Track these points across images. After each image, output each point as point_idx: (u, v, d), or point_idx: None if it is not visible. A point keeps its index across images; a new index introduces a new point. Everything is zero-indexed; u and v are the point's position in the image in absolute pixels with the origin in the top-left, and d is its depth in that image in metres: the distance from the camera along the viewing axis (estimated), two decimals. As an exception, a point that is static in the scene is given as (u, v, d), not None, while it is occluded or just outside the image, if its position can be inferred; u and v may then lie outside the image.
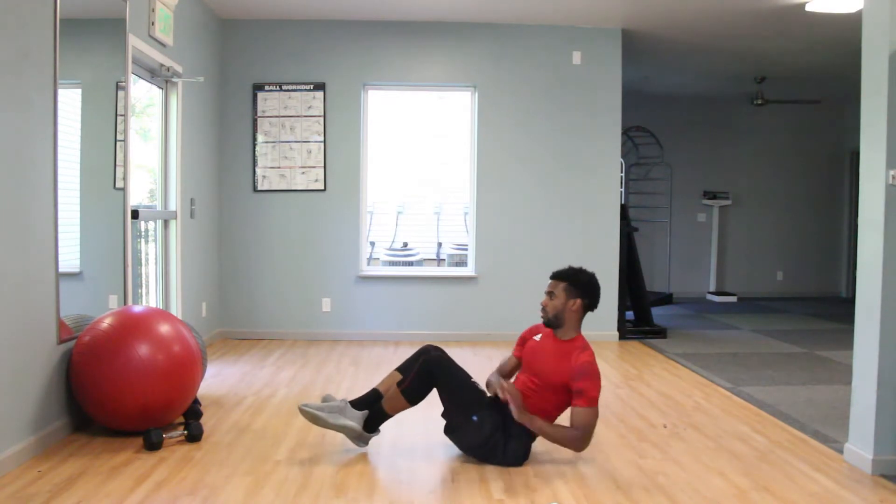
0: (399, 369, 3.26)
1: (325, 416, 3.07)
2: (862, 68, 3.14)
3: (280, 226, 6.07)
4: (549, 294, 3.11)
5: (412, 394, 3.05)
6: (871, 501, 2.73)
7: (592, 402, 2.96)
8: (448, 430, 3.14)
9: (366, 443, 3.20)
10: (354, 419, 3.11)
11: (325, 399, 3.19)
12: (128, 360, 3.14)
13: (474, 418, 3.02)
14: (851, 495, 2.79)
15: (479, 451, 3.06)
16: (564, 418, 3.15)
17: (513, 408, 2.98)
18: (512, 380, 3.23)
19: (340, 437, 3.37)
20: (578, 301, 3.09)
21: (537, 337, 3.20)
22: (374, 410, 3.13)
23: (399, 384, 3.08)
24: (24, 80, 3.02)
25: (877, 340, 3.00)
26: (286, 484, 2.83)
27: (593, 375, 2.98)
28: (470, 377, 3.16)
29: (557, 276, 3.15)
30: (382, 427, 3.23)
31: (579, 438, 2.98)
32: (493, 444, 3.01)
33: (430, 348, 3.28)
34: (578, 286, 3.10)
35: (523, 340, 3.28)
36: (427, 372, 3.04)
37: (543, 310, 3.12)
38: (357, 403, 3.17)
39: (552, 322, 3.10)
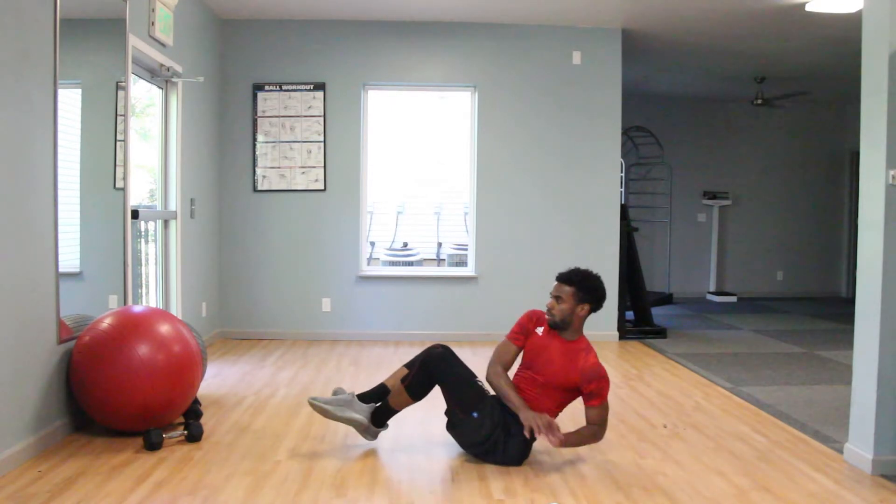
0: (407, 365, 3.29)
1: (332, 409, 3.11)
2: (862, 68, 3.14)
3: (280, 226, 6.07)
4: (556, 298, 3.08)
5: (415, 390, 3.08)
6: (871, 501, 2.73)
7: (605, 400, 3.06)
8: (450, 427, 3.16)
9: (374, 437, 3.21)
10: (361, 412, 3.14)
11: (336, 392, 3.23)
12: (128, 360, 3.14)
13: (475, 415, 3.02)
14: (851, 495, 2.79)
15: (479, 448, 3.06)
16: (568, 416, 3.15)
17: (551, 439, 2.92)
18: (511, 372, 3.21)
19: (341, 436, 3.37)
20: (587, 307, 3.09)
21: (539, 330, 3.16)
22: (381, 405, 3.16)
23: (403, 380, 3.12)
24: (24, 80, 3.02)
25: (877, 340, 3.00)
26: (286, 484, 2.83)
27: (603, 376, 3.04)
28: (474, 376, 3.17)
29: (565, 280, 3.10)
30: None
31: (598, 432, 3.09)
32: (493, 442, 3.01)
33: (436, 346, 3.29)
34: (587, 291, 3.08)
35: (524, 330, 3.18)
36: (428, 369, 3.06)
37: (549, 312, 3.10)
38: (365, 397, 3.22)
39: (558, 325, 3.09)
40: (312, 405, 3.14)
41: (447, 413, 3.16)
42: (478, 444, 3.06)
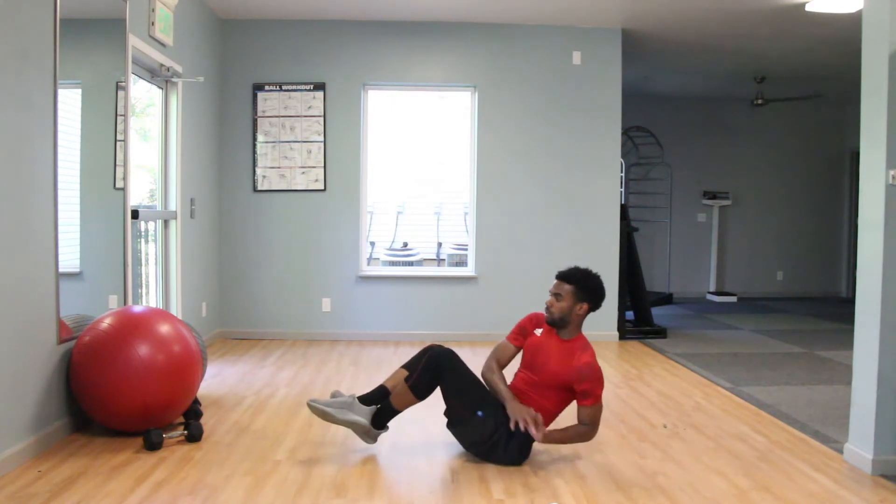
0: (405, 366, 3.28)
1: (333, 412, 3.08)
2: (862, 68, 3.14)
3: (280, 226, 6.07)
4: (556, 295, 3.11)
5: (420, 388, 3.04)
6: (871, 501, 2.73)
7: (598, 400, 3.04)
8: (451, 425, 3.15)
9: (374, 439, 3.20)
10: (362, 414, 3.11)
11: (334, 395, 3.21)
12: (128, 360, 3.14)
13: (480, 414, 3.02)
14: (851, 495, 2.79)
15: (481, 447, 3.06)
16: (569, 414, 3.16)
17: (534, 433, 2.95)
18: (510, 374, 3.22)
19: (341, 436, 3.37)
20: (585, 305, 3.10)
21: (538, 331, 3.19)
22: (382, 406, 3.14)
23: (406, 379, 3.08)
24: (24, 80, 3.02)
25: (877, 340, 3.00)
26: (286, 484, 2.83)
27: (596, 376, 3.02)
28: (476, 375, 3.17)
29: (565, 279, 3.13)
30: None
31: (589, 432, 3.08)
32: (495, 441, 3.01)
33: (436, 346, 3.28)
34: (586, 291, 3.10)
35: (523, 331, 3.24)
36: (434, 366, 3.02)
37: (548, 310, 3.12)
38: (365, 399, 3.19)
39: (557, 323, 3.11)
40: (312, 407, 3.09)
41: (447, 412, 3.15)
42: (480, 442, 3.05)
